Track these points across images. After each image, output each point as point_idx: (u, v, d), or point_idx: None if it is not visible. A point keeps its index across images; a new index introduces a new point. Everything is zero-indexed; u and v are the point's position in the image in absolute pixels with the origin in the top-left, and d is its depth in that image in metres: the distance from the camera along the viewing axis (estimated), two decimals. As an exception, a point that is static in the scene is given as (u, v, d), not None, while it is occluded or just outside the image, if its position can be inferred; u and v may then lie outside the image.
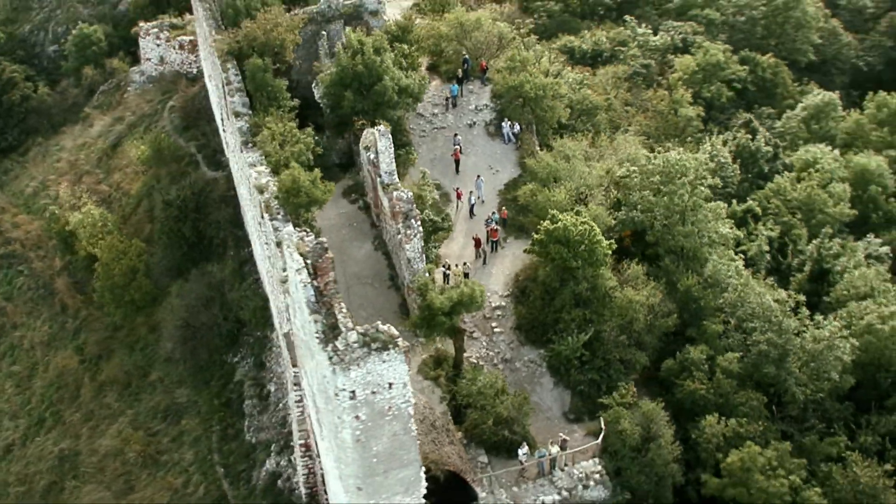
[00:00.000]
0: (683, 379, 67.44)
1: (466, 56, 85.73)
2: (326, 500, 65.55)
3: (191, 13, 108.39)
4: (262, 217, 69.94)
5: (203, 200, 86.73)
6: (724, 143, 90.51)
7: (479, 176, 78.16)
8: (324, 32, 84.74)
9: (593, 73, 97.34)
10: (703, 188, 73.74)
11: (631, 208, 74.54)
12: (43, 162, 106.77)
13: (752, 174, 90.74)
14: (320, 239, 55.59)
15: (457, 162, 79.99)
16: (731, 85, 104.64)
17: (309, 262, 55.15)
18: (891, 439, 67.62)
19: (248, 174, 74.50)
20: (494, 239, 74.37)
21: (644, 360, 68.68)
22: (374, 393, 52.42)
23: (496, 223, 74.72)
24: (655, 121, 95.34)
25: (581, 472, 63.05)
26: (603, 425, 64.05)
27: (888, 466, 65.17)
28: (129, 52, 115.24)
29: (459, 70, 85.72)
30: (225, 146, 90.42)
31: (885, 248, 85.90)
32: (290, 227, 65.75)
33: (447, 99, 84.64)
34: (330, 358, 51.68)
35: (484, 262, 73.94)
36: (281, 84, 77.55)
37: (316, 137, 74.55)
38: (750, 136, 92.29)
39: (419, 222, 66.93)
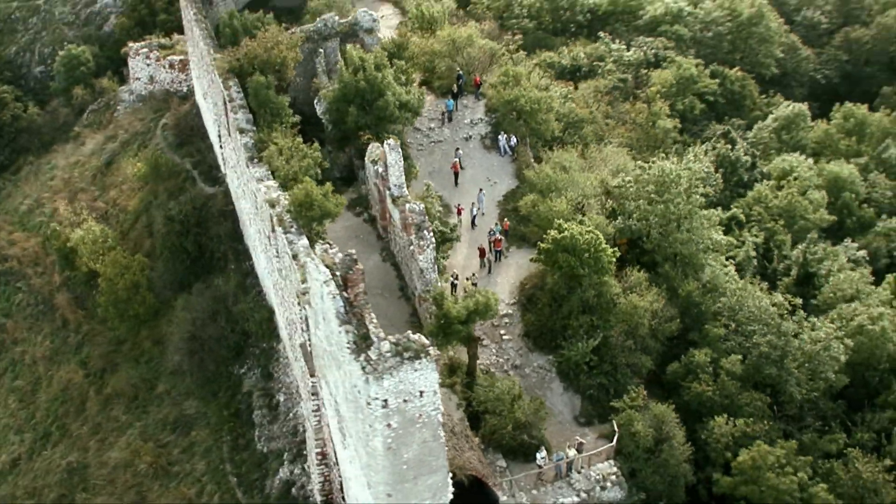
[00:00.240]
0: (690, 381, 67.11)
1: (460, 72, 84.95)
2: (344, 507, 64.48)
3: (179, 34, 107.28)
4: (274, 230, 68.72)
5: (204, 215, 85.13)
6: (705, 152, 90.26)
7: (481, 189, 77.45)
8: (321, 50, 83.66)
9: (575, 87, 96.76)
10: (697, 196, 73.43)
11: (627, 217, 74.04)
12: (36, 180, 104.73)
13: (731, 183, 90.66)
14: (349, 251, 54.33)
15: (456, 174, 79.15)
16: (702, 98, 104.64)
17: (338, 273, 53.93)
18: (886, 435, 67.54)
19: (254, 189, 73.28)
20: (498, 249, 73.57)
21: (649, 363, 68.43)
22: (405, 401, 51.49)
23: (499, 233, 73.86)
24: (636, 133, 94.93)
25: (598, 474, 62.47)
26: (616, 428, 63.35)
27: (888, 462, 65.05)
28: (117, 72, 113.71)
29: (455, 85, 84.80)
30: (221, 162, 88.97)
31: (862, 252, 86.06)
32: (304, 241, 64.77)
33: (443, 113, 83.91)
34: (363, 368, 50.69)
35: (489, 272, 73.19)
36: (283, 101, 76.37)
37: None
38: (730, 147, 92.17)
39: (431, 233, 65.92)
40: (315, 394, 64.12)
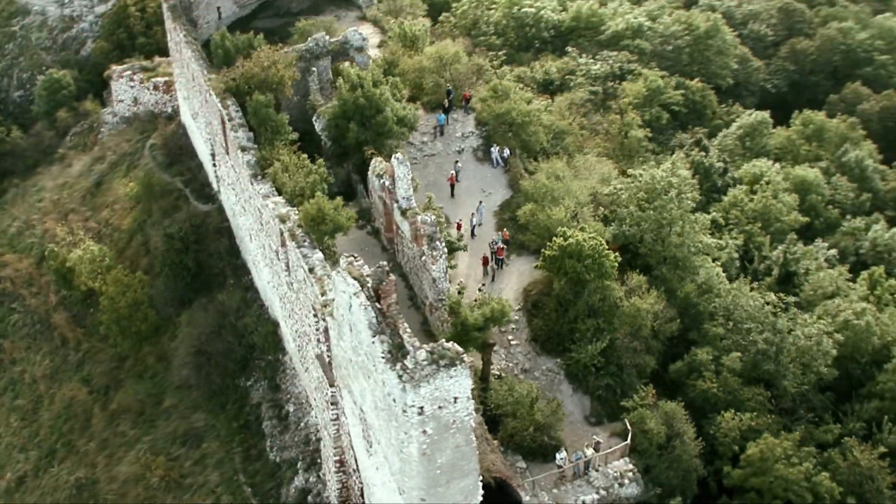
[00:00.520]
0: (694, 379, 66.88)
1: (450, 87, 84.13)
2: (363, 513, 63.32)
3: (160, 56, 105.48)
4: (284, 245, 67.41)
5: (202, 233, 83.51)
6: (681, 159, 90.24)
7: (480, 202, 76.68)
8: (313, 69, 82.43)
9: (552, 99, 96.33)
10: (688, 201, 73.33)
11: (620, 223, 73.71)
12: (23, 202, 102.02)
13: (705, 188, 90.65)
14: (381, 263, 53.29)
15: (452, 186, 78.31)
16: (668, 108, 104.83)
17: (368, 285, 52.82)
18: (876, 424, 67.79)
19: (259, 205, 71.90)
20: (500, 257, 72.81)
21: (653, 363, 68.02)
22: (440, 408, 50.68)
23: (501, 242, 73.14)
24: (611, 143, 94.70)
25: (615, 472, 61.99)
26: (629, 426, 62.84)
27: (882, 449, 65.31)
28: (97, 95, 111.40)
29: (445, 100, 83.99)
30: (214, 180, 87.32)
31: (833, 251, 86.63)
32: (319, 254, 63.61)
33: (435, 128, 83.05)
34: (400, 376, 49.76)
35: (492, 280, 72.36)
36: (283, 118, 75.16)
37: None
38: (703, 153, 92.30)
39: (444, 243, 64.99)
40: (334, 403, 62.88)
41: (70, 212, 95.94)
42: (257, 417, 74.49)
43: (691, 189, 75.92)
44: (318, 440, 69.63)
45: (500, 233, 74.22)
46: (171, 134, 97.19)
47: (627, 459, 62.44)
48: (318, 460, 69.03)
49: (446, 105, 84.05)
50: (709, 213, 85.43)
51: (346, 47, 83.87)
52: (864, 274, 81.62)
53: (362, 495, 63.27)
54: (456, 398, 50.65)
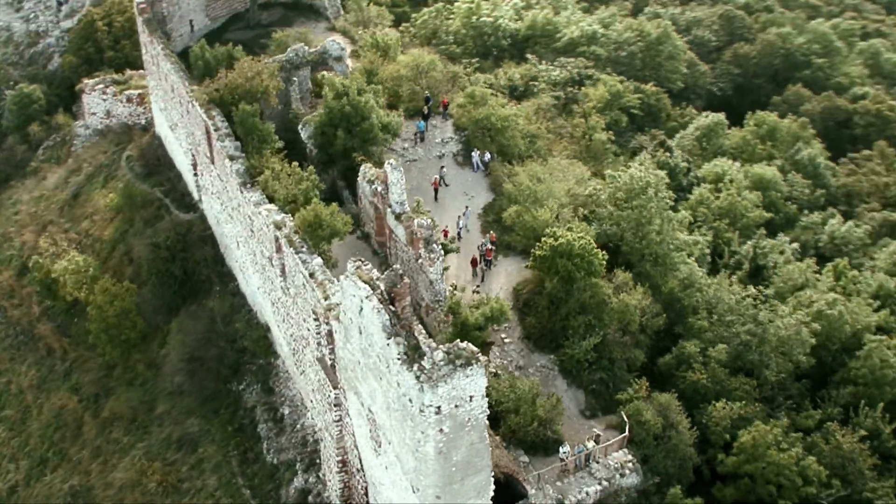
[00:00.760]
0: (684, 371, 66.59)
1: (427, 94, 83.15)
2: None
3: (130, 69, 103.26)
4: (279, 251, 66.03)
5: (187, 241, 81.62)
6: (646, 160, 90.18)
7: (467, 206, 75.75)
8: (294, 79, 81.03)
9: (519, 105, 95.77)
10: (666, 200, 73.20)
11: (601, 223, 73.30)
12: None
13: (672, 187, 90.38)
14: (394, 266, 52.22)
15: (436, 190, 77.30)
16: (626, 111, 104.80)
17: (381, 288, 51.72)
18: (853, 408, 68.05)
19: (249, 213, 70.44)
20: (489, 258, 71.99)
21: (642, 357, 67.66)
22: (456, 406, 49.77)
23: (489, 244, 72.34)
24: (577, 146, 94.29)
25: (616, 463, 61.35)
26: (626, 418, 62.37)
27: (862, 432, 65.57)
28: (66, 109, 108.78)
29: (425, 107, 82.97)
30: (195, 190, 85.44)
31: (795, 245, 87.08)
32: (319, 259, 62.39)
33: (415, 134, 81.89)
34: (417, 377, 48.75)
35: (482, 280, 71.45)
36: (269, 127, 73.79)
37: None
38: (668, 154, 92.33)
39: (440, 246, 64.03)
40: (338, 405, 61.60)
41: (48, 223, 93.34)
42: (252, 421, 72.88)
43: (665, 188, 75.73)
44: (316, 441, 68.27)
45: (487, 235, 73.33)
46: (147, 145, 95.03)
47: (626, 450, 61.94)
48: (317, 461, 67.62)
49: (425, 112, 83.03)
50: (677, 211, 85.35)
51: (325, 57, 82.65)
52: (829, 266, 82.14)
53: (366, 494, 62.09)
54: (471, 396, 49.83)
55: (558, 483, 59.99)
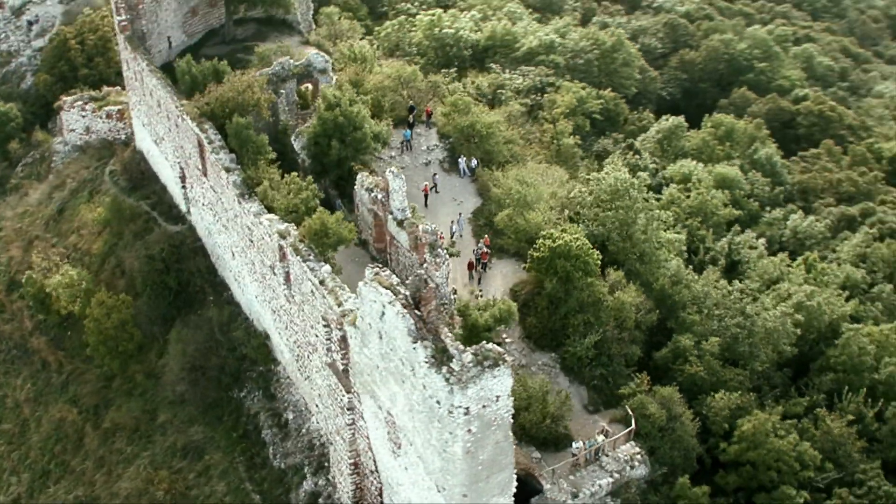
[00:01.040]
0: (680, 364, 66.04)
1: (412, 103, 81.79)
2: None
3: (107, 86, 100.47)
4: (283, 260, 64.32)
5: (180, 252, 79.28)
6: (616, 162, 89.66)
7: (460, 214, 74.45)
8: (282, 91, 79.13)
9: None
10: (651, 200, 72.76)
11: (587, 224, 72.55)
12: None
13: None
14: (419, 272, 50.86)
15: (426, 196, 75.95)
16: (589, 116, 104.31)
17: (404, 293, 50.37)
18: (837, 395, 68.13)
19: (248, 223, 68.66)
20: (485, 261, 70.83)
21: (638, 352, 67.00)
22: (484, 407, 48.79)
23: (485, 247, 71.20)
24: (548, 151, 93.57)
25: (625, 455, 60.55)
26: (630, 412, 61.64)
27: (850, 417, 65.65)
28: (42, 126, 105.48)
29: (409, 116, 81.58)
30: (183, 202, 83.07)
31: (762, 240, 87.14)
32: (327, 267, 60.85)
33: (402, 143, 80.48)
34: (447, 379, 47.59)
35: (479, 283, 70.26)
36: (263, 139, 71.96)
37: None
38: (637, 156, 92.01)
39: (445, 251, 62.72)
40: (351, 408, 59.99)
41: (35, 239, 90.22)
42: (256, 427, 70.80)
43: (646, 189, 75.34)
44: (323, 445, 66.53)
45: (482, 239, 72.17)
46: (130, 159, 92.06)
47: (633, 443, 61.20)
48: (326, 464, 65.83)
49: (410, 121, 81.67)
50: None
51: (311, 70, 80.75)
52: (800, 259, 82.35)
53: (380, 495, 60.57)
54: (498, 396, 48.87)
55: (571, 477, 59.11)
